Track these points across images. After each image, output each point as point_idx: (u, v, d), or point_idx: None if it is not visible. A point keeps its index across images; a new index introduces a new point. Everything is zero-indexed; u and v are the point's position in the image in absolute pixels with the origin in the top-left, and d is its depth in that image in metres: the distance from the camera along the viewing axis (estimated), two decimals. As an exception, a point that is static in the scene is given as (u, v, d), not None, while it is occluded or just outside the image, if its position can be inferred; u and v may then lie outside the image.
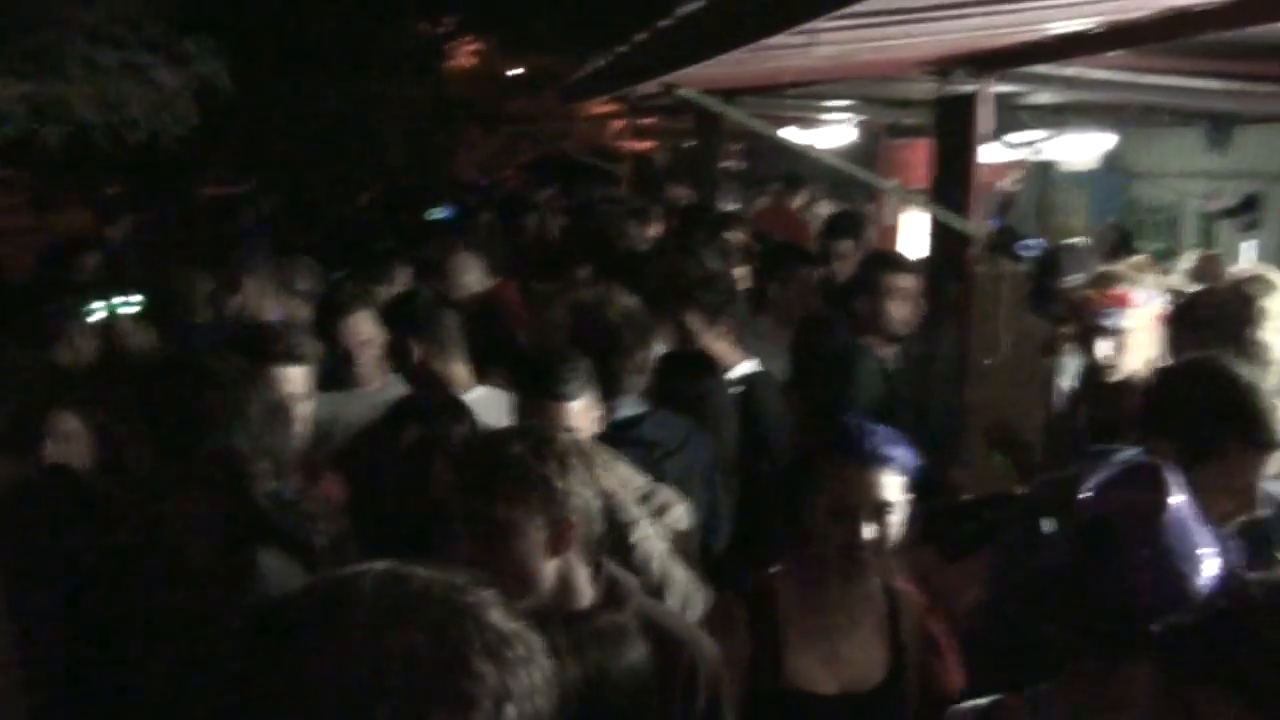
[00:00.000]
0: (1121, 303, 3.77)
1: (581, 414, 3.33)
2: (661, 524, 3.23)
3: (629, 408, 3.70)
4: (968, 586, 2.80)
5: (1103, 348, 3.81)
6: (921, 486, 2.79)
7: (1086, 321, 3.84)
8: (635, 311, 3.87)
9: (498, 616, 1.23)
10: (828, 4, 3.16)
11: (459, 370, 4.44)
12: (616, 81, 6.14)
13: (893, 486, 2.67)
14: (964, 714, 2.16)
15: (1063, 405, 4.33)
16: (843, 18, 3.29)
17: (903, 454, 2.70)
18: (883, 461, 2.66)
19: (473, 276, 6.02)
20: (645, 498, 3.30)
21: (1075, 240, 5.66)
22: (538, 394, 3.32)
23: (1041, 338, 4.82)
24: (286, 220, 10.87)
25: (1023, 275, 5.35)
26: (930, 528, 3.16)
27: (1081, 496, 2.03)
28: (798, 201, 10.48)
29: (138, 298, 5.29)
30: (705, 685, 2.45)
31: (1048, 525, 2.07)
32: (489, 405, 4.01)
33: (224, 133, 9.86)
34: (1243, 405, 2.69)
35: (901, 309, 4.85)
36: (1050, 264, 4.82)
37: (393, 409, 3.81)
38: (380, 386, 4.46)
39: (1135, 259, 5.36)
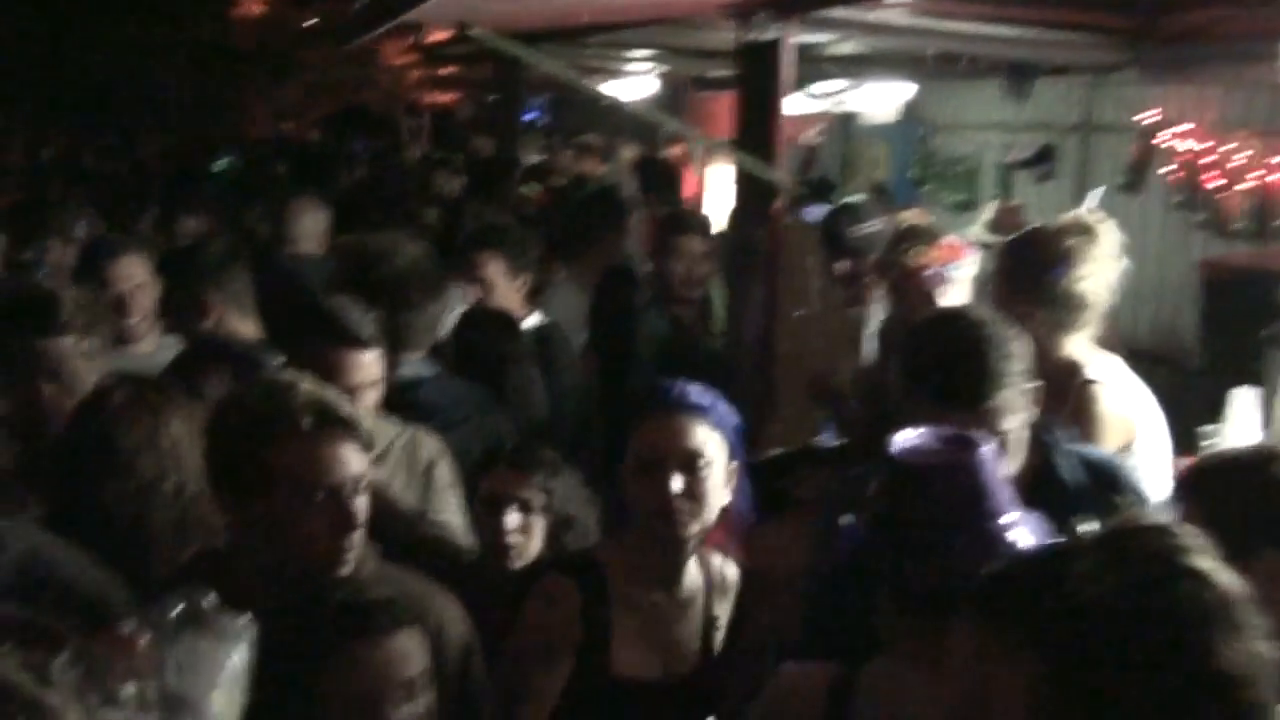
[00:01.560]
0: (957, 255, 3.82)
1: (374, 365, 3.05)
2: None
3: (411, 368, 3.43)
4: (788, 546, 2.66)
5: (945, 298, 3.82)
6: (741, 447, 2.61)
7: (919, 278, 3.82)
8: (425, 261, 3.62)
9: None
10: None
11: (252, 330, 4.07)
12: (395, 10, 5.72)
13: (704, 438, 2.44)
14: (806, 687, 2.00)
15: (871, 356, 4.28)
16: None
17: (717, 407, 2.49)
18: (689, 410, 2.45)
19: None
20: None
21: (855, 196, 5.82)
22: (332, 339, 2.99)
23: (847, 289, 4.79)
24: (62, 174, 10.21)
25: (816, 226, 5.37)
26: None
27: (892, 451, 1.94)
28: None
29: None
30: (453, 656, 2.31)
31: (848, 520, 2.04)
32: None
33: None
34: (956, 360, 2.45)
35: (691, 269, 4.88)
36: (842, 216, 4.88)
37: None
38: (153, 348, 4.09)
39: (905, 213, 5.42)
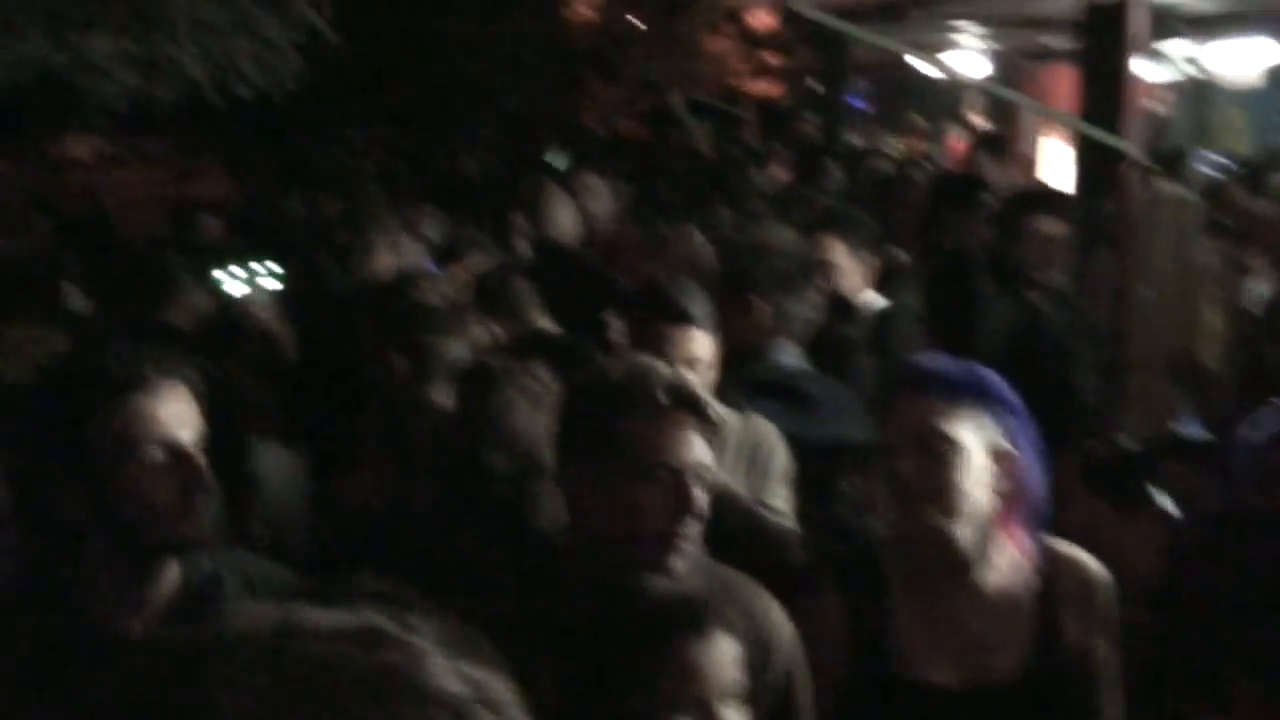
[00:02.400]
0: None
1: (705, 343, 3.02)
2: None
3: (790, 355, 3.39)
4: (1147, 547, 2.42)
5: None
6: (1056, 436, 2.38)
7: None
8: (795, 246, 3.59)
9: (439, 672, 0.81)
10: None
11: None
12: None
13: (955, 421, 2.20)
14: None
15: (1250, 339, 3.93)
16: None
17: (978, 386, 2.24)
18: (936, 389, 2.23)
19: (566, 215, 5.71)
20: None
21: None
22: (658, 315, 3.00)
23: (1214, 266, 4.40)
24: (400, 170, 10.81)
25: (1186, 199, 4.95)
26: (1094, 476, 2.81)
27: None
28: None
29: (270, 267, 5.13)
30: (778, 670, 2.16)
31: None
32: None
33: (334, 84, 9.78)
34: None
35: (1044, 252, 4.56)
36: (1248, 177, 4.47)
37: None
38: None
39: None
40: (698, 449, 2.17)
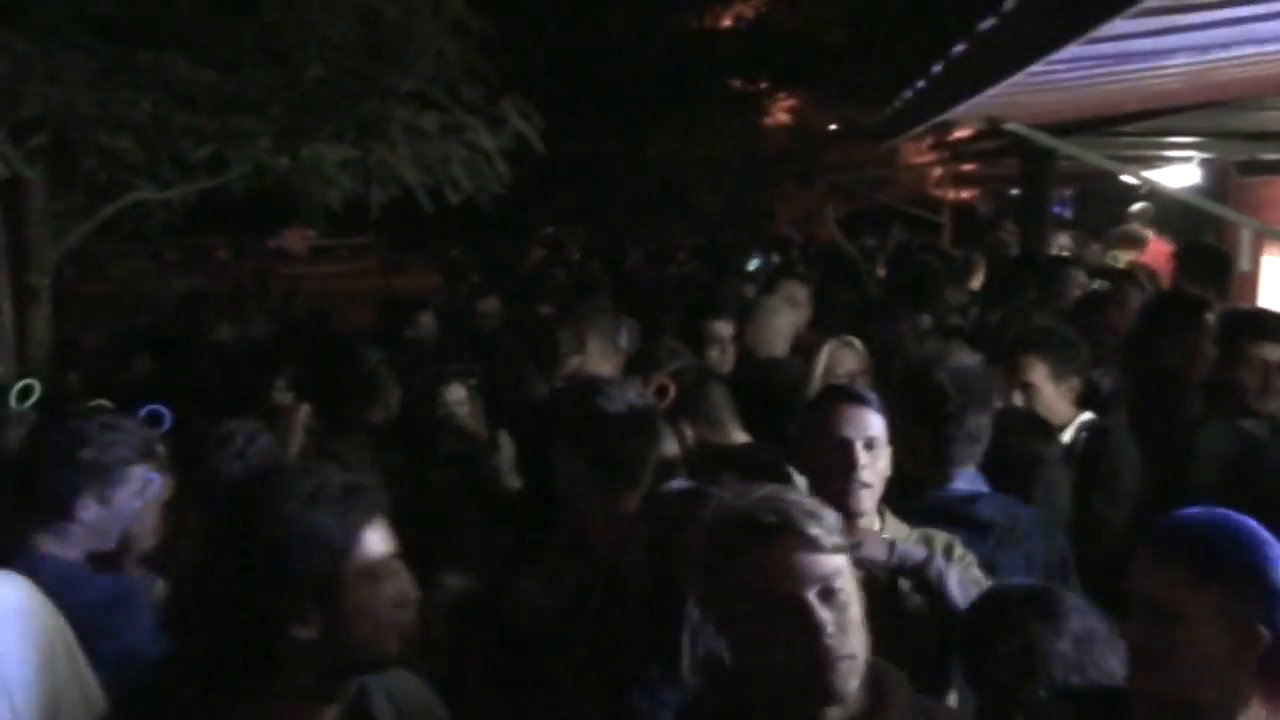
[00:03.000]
0: None
1: (883, 431, 3.04)
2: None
3: (965, 481, 3.32)
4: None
5: None
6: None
7: None
8: (971, 372, 3.51)
9: None
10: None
11: (738, 440, 4.08)
12: (933, 110, 5.73)
13: (1189, 589, 2.03)
14: None
15: None
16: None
17: (1218, 556, 2.05)
18: (1174, 553, 2.06)
19: (782, 323, 5.70)
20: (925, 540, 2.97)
21: None
22: (841, 398, 3.07)
23: None
24: (602, 276, 10.99)
25: None
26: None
27: None
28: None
29: (470, 366, 5.26)
30: None
31: None
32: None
33: (540, 191, 10.08)
34: None
35: (1267, 379, 4.22)
36: None
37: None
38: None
39: None
40: (814, 568, 2.02)
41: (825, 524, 2.06)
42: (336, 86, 6.18)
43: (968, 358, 3.71)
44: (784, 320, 5.72)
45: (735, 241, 13.47)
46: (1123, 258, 9.13)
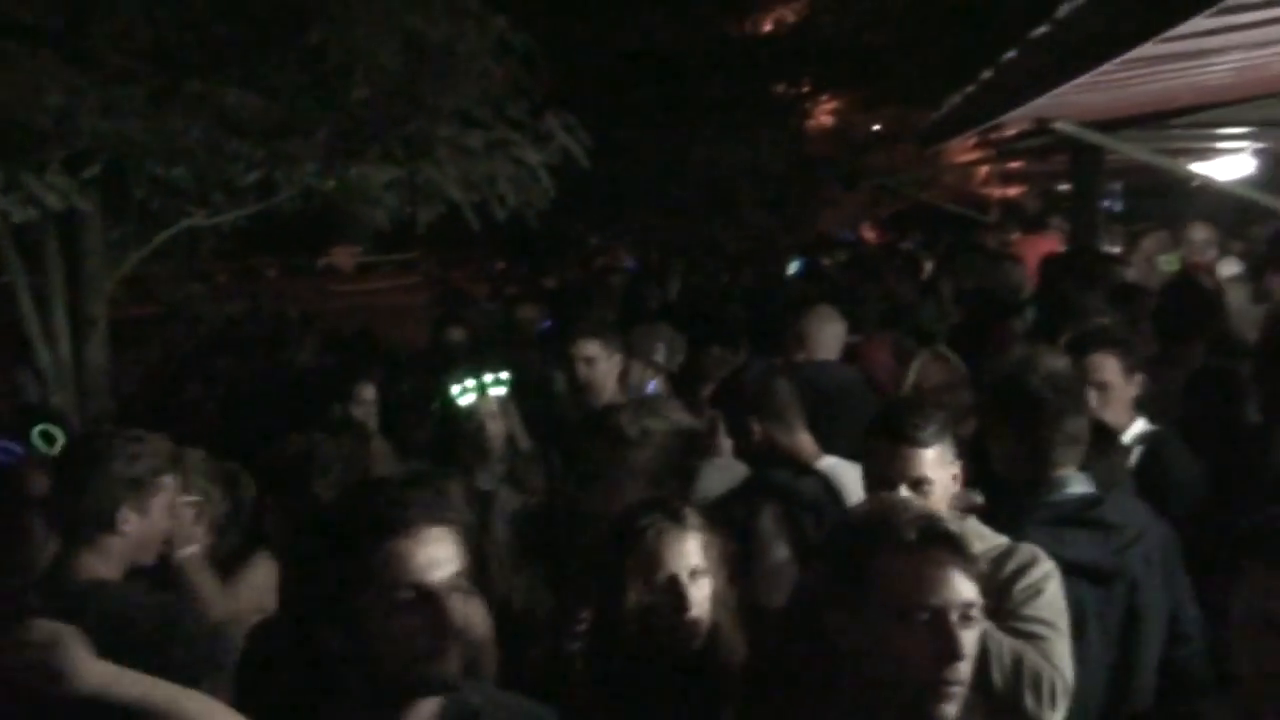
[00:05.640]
0: None
1: (935, 464, 3.01)
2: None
3: (1078, 484, 3.29)
4: None
5: None
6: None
7: None
8: (1063, 375, 3.49)
9: None
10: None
11: (803, 441, 4.09)
12: (982, 116, 5.68)
13: None
14: None
15: None
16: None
17: None
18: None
19: (831, 332, 5.69)
20: (1002, 558, 2.92)
21: None
22: (887, 436, 3.03)
23: None
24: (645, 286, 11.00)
25: None
26: None
27: None
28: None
29: (504, 375, 5.29)
30: None
31: None
32: (840, 475, 3.79)
33: (584, 204, 10.09)
34: None
35: None
36: None
37: (747, 484, 3.71)
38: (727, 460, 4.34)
39: None
40: (960, 587, 2.07)
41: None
42: (383, 108, 6.21)
43: (1056, 360, 3.69)
44: (838, 326, 5.73)
45: (775, 244, 13.46)
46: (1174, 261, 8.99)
